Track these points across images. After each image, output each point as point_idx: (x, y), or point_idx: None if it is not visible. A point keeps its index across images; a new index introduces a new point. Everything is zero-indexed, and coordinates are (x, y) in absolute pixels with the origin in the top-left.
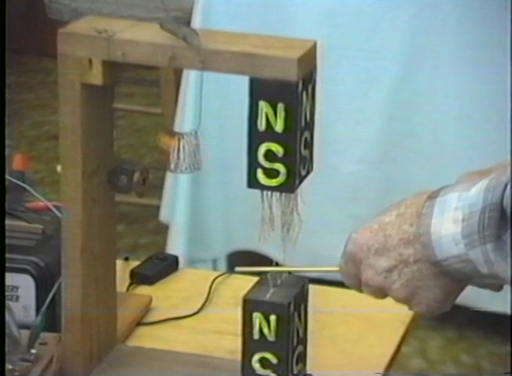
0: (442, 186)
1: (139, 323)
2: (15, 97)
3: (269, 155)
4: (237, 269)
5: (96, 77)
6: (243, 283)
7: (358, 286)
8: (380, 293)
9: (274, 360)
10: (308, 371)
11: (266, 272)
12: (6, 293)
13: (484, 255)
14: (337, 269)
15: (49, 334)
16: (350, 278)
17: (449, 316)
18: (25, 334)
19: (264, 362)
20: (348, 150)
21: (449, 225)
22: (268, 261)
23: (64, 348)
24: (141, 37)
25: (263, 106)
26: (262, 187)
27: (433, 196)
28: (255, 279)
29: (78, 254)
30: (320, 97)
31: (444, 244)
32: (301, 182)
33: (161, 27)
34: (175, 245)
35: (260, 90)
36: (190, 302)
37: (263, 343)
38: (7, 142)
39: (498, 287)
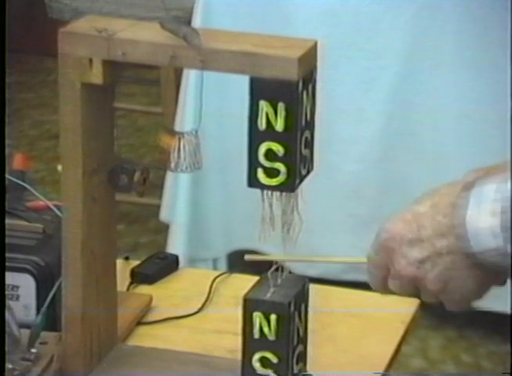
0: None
1: (139, 322)
2: (15, 96)
3: (270, 154)
4: (247, 257)
5: (97, 76)
6: (243, 283)
7: (384, 280)
8: (411, 285)
9: (274, 360)
10: (309, 371)
11: (268, 270)
12: (7, 292)
13: None
14: (364, 260)
15: (50, 333)
16: (378, 269)
17: (449, 316)
18: (25, 333)
19: (264, 361)
20: (348, 149)
21: (487, 217)
22: (268, 260)
23: (64, 347)
24: (141, 36)
25: (263, 106)
26: (262, 186)
27: (468, 186)
28: (255, 278)
29: (78, 254)
30: (320, 97)
31: (481, 236)
32: (301, 181)
33: (161, 27)
34: (176, 244)
35: (260, 89)
36: (190, 302)
37: (263, 342)
38: (7, 141)
39: None
